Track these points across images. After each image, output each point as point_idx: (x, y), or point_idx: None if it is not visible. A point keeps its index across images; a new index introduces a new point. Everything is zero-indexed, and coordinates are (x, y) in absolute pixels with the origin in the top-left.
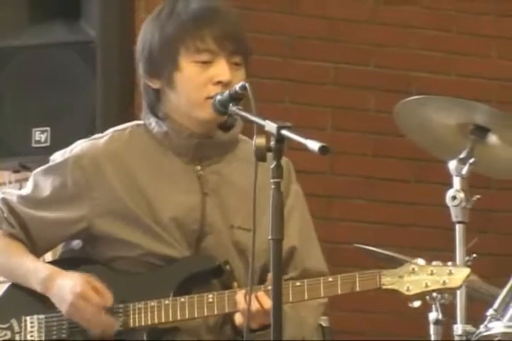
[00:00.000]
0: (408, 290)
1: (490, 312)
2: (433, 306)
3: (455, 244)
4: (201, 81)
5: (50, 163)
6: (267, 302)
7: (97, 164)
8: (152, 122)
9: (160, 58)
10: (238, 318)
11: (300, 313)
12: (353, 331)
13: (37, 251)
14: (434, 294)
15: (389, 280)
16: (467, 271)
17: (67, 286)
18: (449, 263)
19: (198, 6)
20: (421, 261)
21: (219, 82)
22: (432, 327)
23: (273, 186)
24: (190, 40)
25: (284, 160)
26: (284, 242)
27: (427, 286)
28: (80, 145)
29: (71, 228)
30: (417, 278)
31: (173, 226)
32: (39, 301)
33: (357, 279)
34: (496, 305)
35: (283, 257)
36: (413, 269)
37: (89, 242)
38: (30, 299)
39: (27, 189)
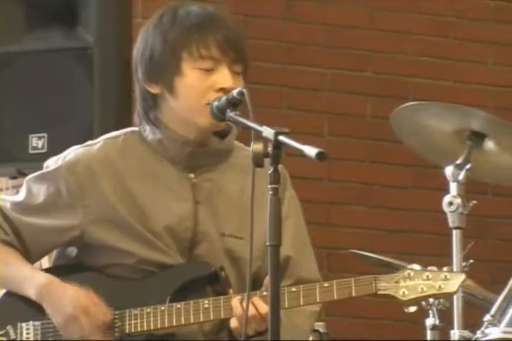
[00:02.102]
0: (404, 295)
1: (487, 317)
2: (430, 312)
3: (452, 249)
4: (203, 88)
5: (44, 170)
6: (263, 308)
7: (91, 171)
8: (147, 129)
9: (161, 63)
10: (233, 323)
11: (295, 321)
12: (351, 337)
13: (31, 258)
14: (431, 300)
15: (384, 285)
16: (462, 276)
17: (68, 297)
18: (445, 269)
19: (200, 13)
20: (416, 266)
21: (221, 89)
22: (428, 333)
23: (271, 192)
24: (194, 46)
25: (279, 167)
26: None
27: (422, 291)
28: (73, 152)
29: (64, 235)
30: (413, 283)
31: (166, 234)
32: (35, 308)
33: (353, 284)
34: (492, 311)
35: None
36: (409, 274)
37: (83, 249)
38: (26, 306)
39: (20, 195)
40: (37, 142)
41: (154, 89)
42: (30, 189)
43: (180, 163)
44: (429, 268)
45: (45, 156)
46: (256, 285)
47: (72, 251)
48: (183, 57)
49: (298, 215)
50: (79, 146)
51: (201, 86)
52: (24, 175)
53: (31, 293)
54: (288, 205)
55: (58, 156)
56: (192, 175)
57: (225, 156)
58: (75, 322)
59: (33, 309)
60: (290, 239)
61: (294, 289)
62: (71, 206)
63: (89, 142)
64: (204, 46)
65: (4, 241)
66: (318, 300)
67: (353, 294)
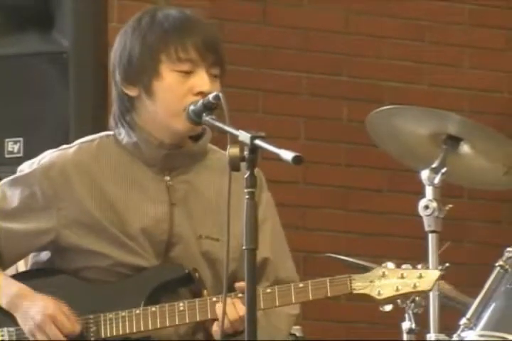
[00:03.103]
0: (379, 294)
1: (463, 321)
2: (406, 315)
3: (428, 253)
4: (181, 91)
5: (18, 174)
6: (242, 309)
7: (66, 175)
8: (122, 132)
9: (140, 65)
10: (216, 326)
11: (274, 322)
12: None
13: (4, 263)
14: (407, 302)
15: (360, 284)
16: (437, 273)
17: (38, 306)
18: (419, 266)
19: (179, 16)
20: (391, 265)
21: (200, 93)
22: (405, 336)
23: (247, 196)
24: (173, 49)
25: (255, 171)
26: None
27: (397, 290)
28: (48, 156)
29: (39, 239)
30: (388, 282)
31: (142, 237)
32: (10, 315)
33: (328, 284)
34: (468, 314)
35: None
36: (383, 273)
37: (57, 253)
38: (1, 313)
39: None
40: (13, 146)
41: (132, 92)
42: (5, 193)
43: (155, 165)
44: (403, 266)
45: (21, 160)
46: (233, 287)
47: (46, 255)
48: (161, 59)
49: (274, 217)
50: (54, 150)
51: (179, 89)
52: None
53: (3, 302)
54: (265, 207)
55: (33, 160)
56: (167, 178)
57: (200, 158)
58: (41, 330)
59: (7, 316)
60: (268, 241)
61: (269, 290)
62: (45, 209)
63: (65, 146)
64: (182, 49)
65: None
66: (293, 300)
67: (329, 294)
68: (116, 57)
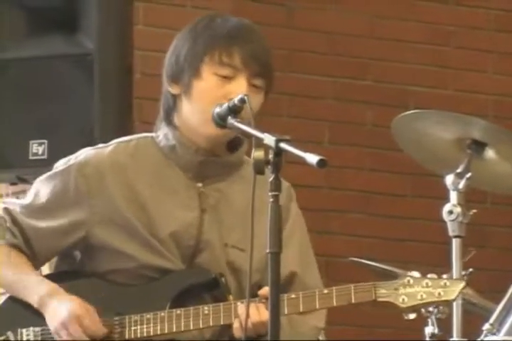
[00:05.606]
0: (403, 302)
1: (486, 326)
2: (429, 320)
3: (451, 258)
4: (218, 94)
5: (53, 170)
6: (265, 314)
7: (100, 173)
8: (160, 135)
9: (184, 63)
10: (237, 323)
11: (298, 330)
12: None
13: (37, 261)
14: (431, 308)
15: (384, 292)
16: (462, 283)
17: (65, 306)
18: (444, 276)
19: (236, 24)
20: (416, 274)
21: None
22: None
23: (271, 199)
24: (217, 52)
25: (286, 185)
26: (283, 267)
27: (421, 299)
28: (84, 154)
29: (70, 235)
30: (412, 290)
31: (170, 241)
32: (36, 314)
33: (352, 291)
34: (491, 320)
35: (283, 282)
36: (408, 281)
37: (86, 253)
38: (28, 312)
39: (28, 197)
40: (37, 148)
41: (174, 90)
42: (38, 190)
43: (190, 170)
44: (428, 275)
45: (45, 162)
46: (255, 296)
47: (76, 256)
48: (204, 60)
49: (303, 230)
50: (90, 148)
51: (216, 92)
52: (24, 181)
53: (34, 300)
54: (294, 220)
55: (69, 157)
56: (200, 184)
57: (235, 169)
58: (65, 328)
59: (34, 315)
60: (297, 255)
61: (293, 296)
62: (77, 204)
63: (101, 145)
64: (227, 53)
65: (12, 244)
66: (317, 306)
67: (353, 301)
68: (168, 57)
